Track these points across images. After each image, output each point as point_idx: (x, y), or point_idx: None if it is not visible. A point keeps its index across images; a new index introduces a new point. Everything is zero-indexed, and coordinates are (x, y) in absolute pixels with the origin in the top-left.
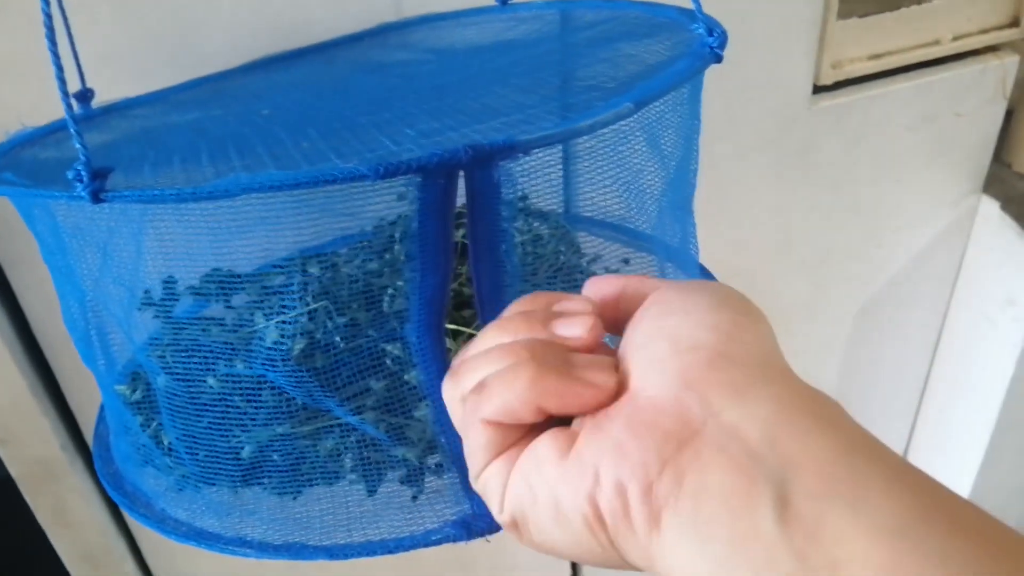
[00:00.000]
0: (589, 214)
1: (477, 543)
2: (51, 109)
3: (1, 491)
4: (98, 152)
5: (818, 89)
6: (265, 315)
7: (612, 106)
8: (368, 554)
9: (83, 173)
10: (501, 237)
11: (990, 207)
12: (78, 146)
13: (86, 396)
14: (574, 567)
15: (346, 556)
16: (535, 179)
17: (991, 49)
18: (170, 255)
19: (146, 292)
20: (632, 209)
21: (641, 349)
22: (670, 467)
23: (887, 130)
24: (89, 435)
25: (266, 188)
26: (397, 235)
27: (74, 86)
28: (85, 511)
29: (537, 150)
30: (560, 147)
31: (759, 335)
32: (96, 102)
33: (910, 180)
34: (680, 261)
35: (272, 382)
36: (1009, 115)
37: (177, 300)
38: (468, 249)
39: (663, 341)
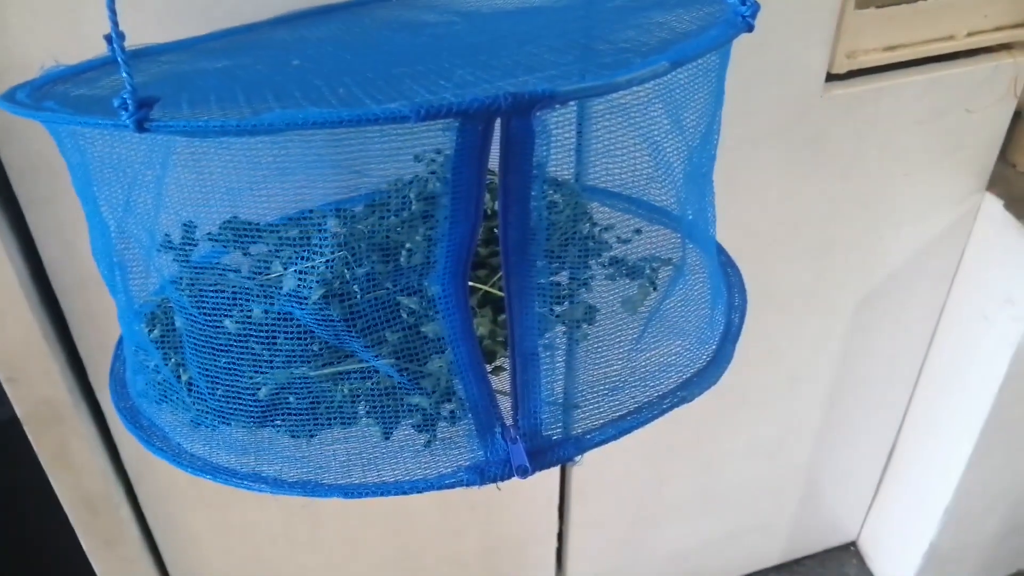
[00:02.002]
0: (603, 184)
1: (466, 507)
2: (77, 51)
3: (6, 431)
4: (137, 90)
5: (831, 77)
6: (283, 264)
7: (649, 63)
8: (382, 494)
9: (129, 101)
10: (531, 191)
11: (993, 205)
12: (124, 74)
13: (95, 341)
14: (560, 541)
15: (360, 495)
16: (561, 144)
17: (1005, 47)
18: (208, 193)
19: (166, 235)
20: (651, 178)
21: None
22: None
23: (897, 122)
24: (96, 380)
25: (310, 124)
26: (413, 195)
27: (102, 29)
28: (86, 455)
29: (573, 102)
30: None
31: None
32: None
33: (916, 174)
34: (696, 236)
35: (296, 321)
36: (1017, 116)
37: (196, 244)
38: (490, 208)
39: None
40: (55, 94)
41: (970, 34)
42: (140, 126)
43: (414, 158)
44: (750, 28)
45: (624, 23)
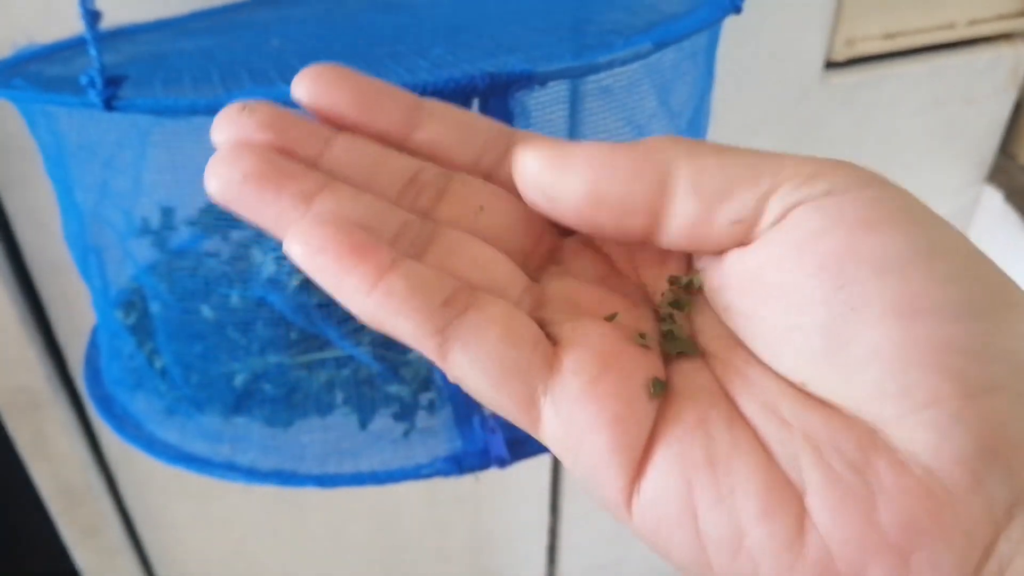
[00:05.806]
0: None
1: (455, 505)
2: (56, 30)
3: None
4: (108, 69)
5: (830, 65)
6: (263, 250)
7: (631, 44)
8: (357, 484)
9: (96, 79)
10: None
11: (993, 198)
12: (92, 52)
13: (73, 328)
14: (552, 535)
15: (335, 485)
16: (543, 125)
17: (1005, 37)
18: (179, 176)
19: (144, 220)
20: None
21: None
22: None
23: (896, 112)
24: (74, 368)
25: (280, 102)
26: None
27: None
28: (65, 444)
29: (553, 83)
30: (568, 93)
31: None
32: (102, 26)
33: (915, 165)
34: None
35: (270, 307)
36: (1018, 107)
37: (174, 229)
38: None
39: (933, 372)
40: (27, 73)
41: (971, 22)
42: (108, 104)
43: None
44: (738, 10)
45: (612, 4)
